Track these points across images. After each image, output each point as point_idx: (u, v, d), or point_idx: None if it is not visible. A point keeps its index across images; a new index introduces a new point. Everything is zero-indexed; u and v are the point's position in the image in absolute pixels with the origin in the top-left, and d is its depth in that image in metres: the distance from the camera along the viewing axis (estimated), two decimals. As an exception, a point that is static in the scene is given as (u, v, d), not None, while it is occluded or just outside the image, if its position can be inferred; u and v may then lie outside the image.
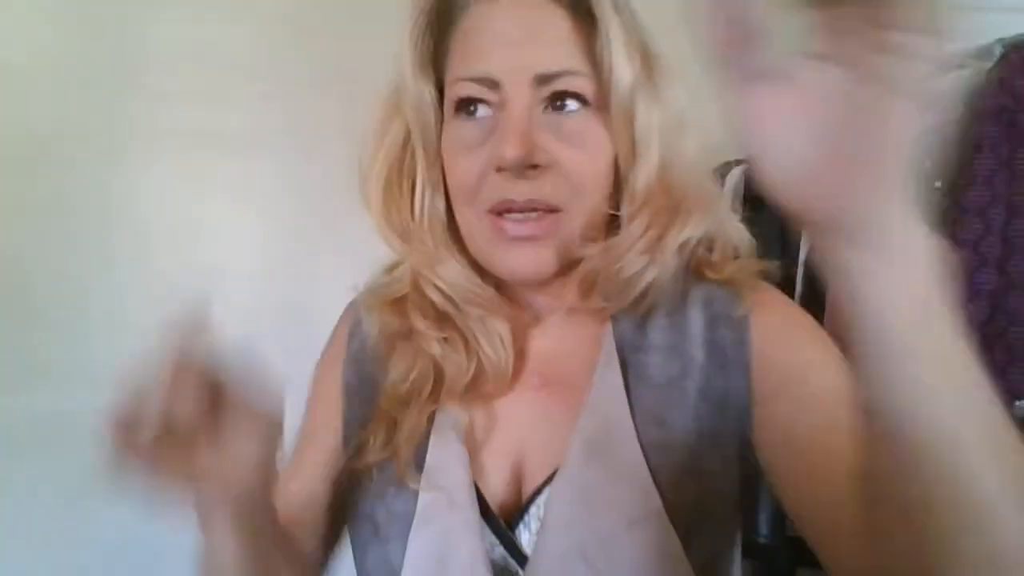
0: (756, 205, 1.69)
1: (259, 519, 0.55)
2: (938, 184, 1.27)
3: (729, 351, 0.63)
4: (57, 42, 1.94)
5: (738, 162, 1.76)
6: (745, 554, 1.62)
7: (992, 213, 1.13)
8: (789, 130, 0.33)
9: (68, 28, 1.95)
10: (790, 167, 0.34)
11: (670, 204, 0.64)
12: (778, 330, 0.62)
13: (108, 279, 1.92)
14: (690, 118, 0.67)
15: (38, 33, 1.94)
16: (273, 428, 0.52)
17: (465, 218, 0.65)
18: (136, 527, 1.87)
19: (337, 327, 0.77)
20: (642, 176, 0.63)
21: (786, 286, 1.44)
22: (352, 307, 0.77)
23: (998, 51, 1.26)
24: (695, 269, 0.67)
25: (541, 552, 0.61)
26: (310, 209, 1.94)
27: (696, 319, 0.65)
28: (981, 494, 0.36)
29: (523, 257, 0.63)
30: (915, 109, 0.31)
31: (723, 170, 1.78)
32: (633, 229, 0.63)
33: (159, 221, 1.95)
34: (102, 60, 1.94)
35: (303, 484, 0.70)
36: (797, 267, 1.41)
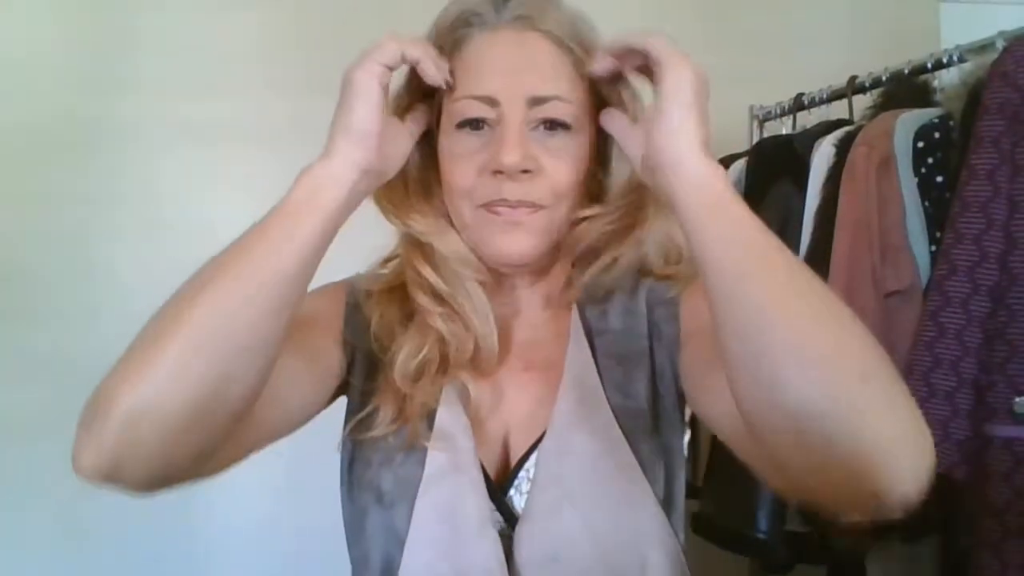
0: (756, 199, 1.70)
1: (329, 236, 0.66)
2: (940, 179, 1.27)
3: (664, 327, 0.78)
4: (63, 38, 1.94)
5: (738, 156, 1.76)
6: (743, 550, 1.63)
7: (994, 208, 1.12)
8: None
9: (74, 24, 1.94)
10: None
11: (635, 208, 0.78)
12: (701, 303, 0.72)
13: (115, 273, 1.93)
14: None
15: (44, 29, 1.94)
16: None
17: (460, 212, 0.76)
18: (137, 525, 1.89)
19: (334, 289, 0.84)
20: (615, 185, 0.78)
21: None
22: (348, 285, 0.84)
23: (1000, 45, 1.25)
24: (643, 268, 0.81)
25: (533, 505, 0.71)
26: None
27: (642, 305, 0.80)
28: (761, 298, 0.55)
29: (512, 239, 0.74)
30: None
31: (725, 163, 1.78)
32: (608, 218, 0.78)
33: (167, 215, 1.95)
34: (108, 55, 1.94)
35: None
36: (797, 262, 1.41)
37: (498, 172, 0.72)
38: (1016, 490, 1.09)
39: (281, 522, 1.91)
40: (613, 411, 0.74)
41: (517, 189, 0.72)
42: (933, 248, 1.25)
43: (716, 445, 1.51)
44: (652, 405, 0.76)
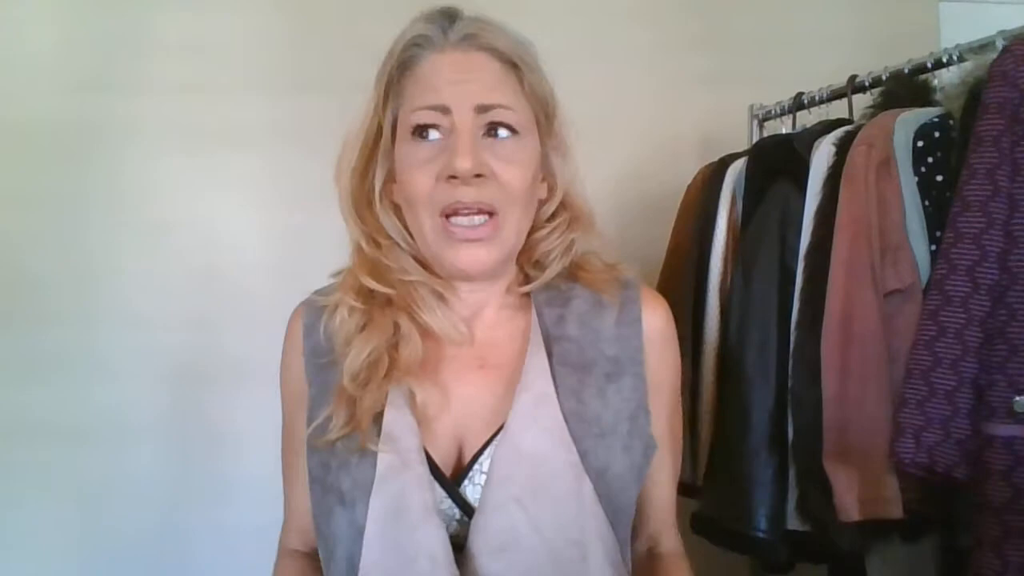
0: (756, 199, 1.70)
1: None
2: (940, 178, 1.27)
3: (631, 342, 0.86)
4: (62, 39, 1.94)
5: (738, 155, 1.76)
6: (743, 550, 1.63)
7: (994, 207, 1.12)
8: None
9: (73, 25, 1.95)
10: None
11: (571, 215, 0.89)
12: (661, 332, 0.90)
13: (116, 273, 1.93)
14: (572, 153, 0.90)
15: (42, 29, 1.94)
16: None
17: (420, 221, 0.83)
18: (139, 525, 1.89)
19: (290, 327, 0.93)
20: (559, 193, 0.88)
21: (787, 279, 1.43)
22: (304, 307, 0.92)
23: (1000, 44, 1.25)
24: (577, 272, 0.90)
25: (486, 501, 0.77)
26: (316, 203, 1.93)
27: (608, 319, 0.87)
28: None
29: (471, 255, 0.81)
30: None
31: (725, 162, 1.78)
32: (555, 228, 0.89)
33: (166, 215, 1.95)
34: (108, 56, 1.94)
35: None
36: (798, 261, 1.41)
37: (453, 177, 0.79)
38: (1016, 489, 1.09)
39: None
40: (564, 415, 0.80)
41: (472, 192, 0.79)
42: (933, 247, 1.25)
43: (716, 445, 1.51)
44: (603, 411, 0.83)
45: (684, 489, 1.37)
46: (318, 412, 0.83)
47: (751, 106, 1.99)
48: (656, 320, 0.89)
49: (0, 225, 1.91)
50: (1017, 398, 1.11)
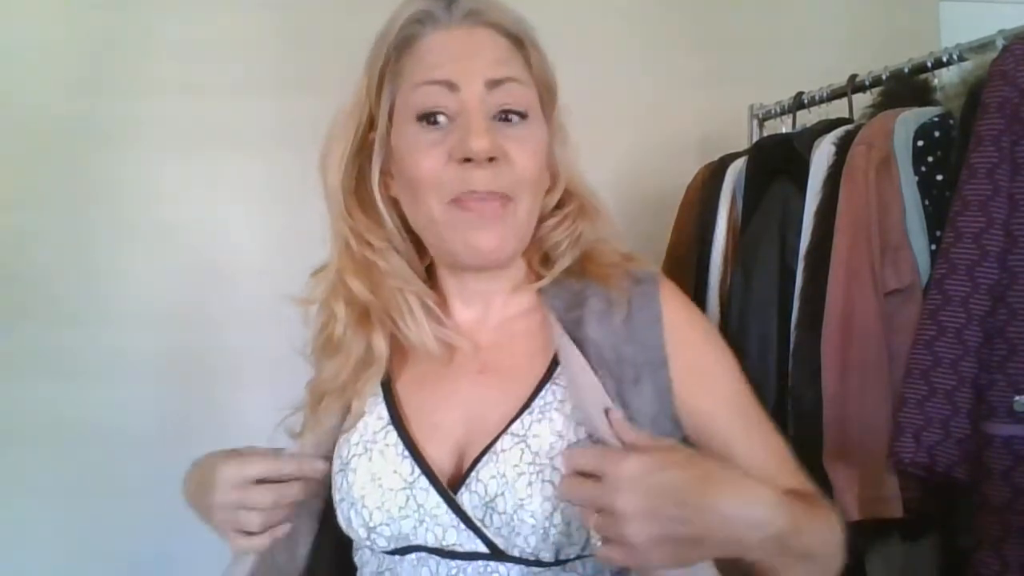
0: (756, 198, 1.69)
1: None
2: (940, 178, 1.27)
3: (650, 342, 0.78)
4: (62, 39, 1.94)
5: (738, 155, 1.76)
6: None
7: (994, 206, 1.12)
8: None
9: (73, 25, 1.94)
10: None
11: (577, 204, 0.82)
12: (682, 321, 0.80)
13: (115, 273, 1.93)
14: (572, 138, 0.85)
15: (42, 30, 1.94)
16: None
17: (427, 207, 0.76)
18: (140, 525, 1.88)
19: None
20: (563, 181, 0.82)
21: (787, 279, 1.43)
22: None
23: (1000, 44, 1.25)
24: (587, 266, 0.82)
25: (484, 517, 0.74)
26: (312, 203, 1.93)
27: (624, 318, 0.78)
28: None
29: (486, 237, 0.75)
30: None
31: (725, 162, 1.78)
32: (564, 218, 0.82)
33: (165, 215, 1.95)
34: (107, 56, 1.94)
35: None
36: (798, 260, 1.41)
37: (466, 160, 0.72)
38: (1016, 488, 1.09)
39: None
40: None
41: (486, 178, 0.73)
42: (933, 247, 1.25)
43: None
44: (628, 414, 0.75)
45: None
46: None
47: (751, 106, 1.99)
48: (678, 315, 0.80)
49: (1, 224, 1.91)
50: (1017, 398, 1.11)
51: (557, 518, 0.72)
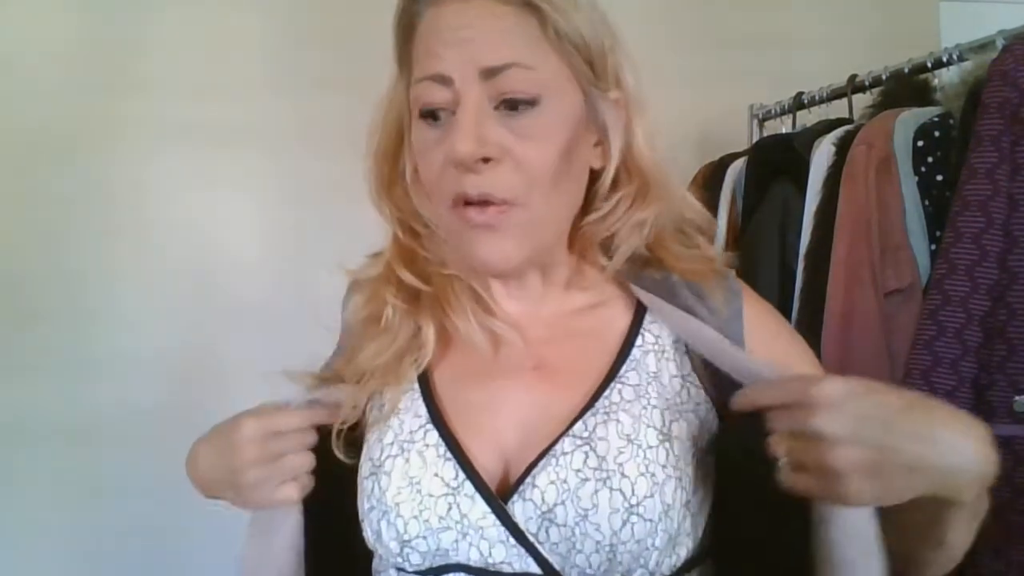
0: (756, 198, 1.69)
1: None
2: (940, 178, 1.27)
3: (732, 332, 0.71)
4: (61, 39, 1.94)
5: (738, 155, 1.76)
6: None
7: (993, 207, 1.12)
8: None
9: (73, 25, 1.94)
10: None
11: (638, 184, 0.71)
12: (762, 315, 0.75)
13: (108, 273, 1.92)
14: (641, 102, 0.73)
15: (42, 30, 1.94)
16: None
17: (437, 213, 0.71)
18: (142, 525, 1.88)
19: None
20: (614, 159, 0.70)
21: (787, 279, 1.43)
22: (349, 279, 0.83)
23: (1000, 44, 1.25)
24: (665, 256, 0.74)
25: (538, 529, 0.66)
26: (311, 203, 1.94)
27: (706, 311, 0.72)
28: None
29: (487, 247, 0.67)
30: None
31: (725, 162, 1.78)
32: (616, 204, 0.71)
33: (160, 215, 1.95)
34: (107, 56, 1.94)
35: None
36: (798, 260, 1.41)
37: (458, 164, 0.65)
38: (1017, 489, 1.09)
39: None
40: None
41: (478, 181, 0.65)
42: (933, 247, 1.25)
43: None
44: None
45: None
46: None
47: (751, 106, 1.99)
48: (755, 309, 0.75)
49: (1, 225, 1.91)
50: (1017, 398, 1.11)
51: (627, 533, 0.63)
